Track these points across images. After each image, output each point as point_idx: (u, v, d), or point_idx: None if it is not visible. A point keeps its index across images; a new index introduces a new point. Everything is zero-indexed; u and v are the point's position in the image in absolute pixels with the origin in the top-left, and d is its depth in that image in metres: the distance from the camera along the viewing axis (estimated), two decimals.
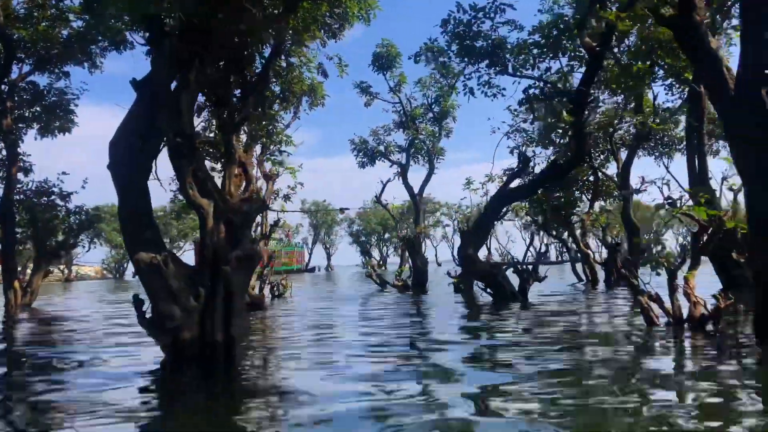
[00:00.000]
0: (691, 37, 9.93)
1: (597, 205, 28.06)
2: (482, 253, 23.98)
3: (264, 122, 21.75)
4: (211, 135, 18.35)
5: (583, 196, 27.81)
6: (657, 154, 29.62)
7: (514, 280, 17.30)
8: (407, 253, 30.50)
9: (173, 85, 9.34)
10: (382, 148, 28.04)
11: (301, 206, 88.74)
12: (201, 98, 18.37)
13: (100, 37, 20.28)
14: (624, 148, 26.74)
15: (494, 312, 14.30)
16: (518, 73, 15.33)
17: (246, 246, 8.60)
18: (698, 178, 17.97)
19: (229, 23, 9.56)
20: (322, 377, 6.96)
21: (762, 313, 8.77)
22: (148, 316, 8.11)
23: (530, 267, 18.02)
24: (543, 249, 20.48)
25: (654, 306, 9.92)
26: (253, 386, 6.82)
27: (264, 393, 6.37)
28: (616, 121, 24.66)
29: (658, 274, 9.70)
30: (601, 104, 23.72)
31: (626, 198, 25.56)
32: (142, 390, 6.78)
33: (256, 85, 17.17)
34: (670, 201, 12.12)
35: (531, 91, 15.51)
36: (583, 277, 27.11)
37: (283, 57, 20.78)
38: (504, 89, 15.69)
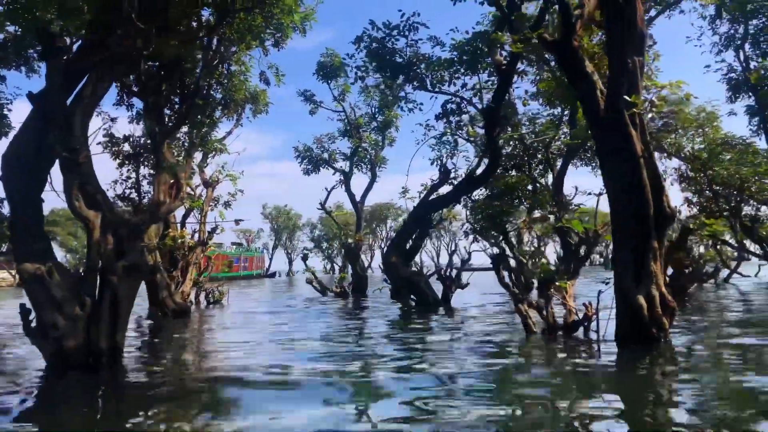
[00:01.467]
0: (569, 61, 10.63)
1: (536, 213, 28.87)
2: (426, 259, 24.46)
3: (204, 129, 22.01)
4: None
5: (522, 206, 28.59)
6: (594, 164, 30.62)
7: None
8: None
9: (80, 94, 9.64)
10: (326, 155, 28.46)
11: (262, 211, 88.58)
12: (140, 104, 18.61)
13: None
14: (560, 159, 27.58)
15: (411, 318, 14.82)
16: (436, 89, 15.93)
17: (133, 256, 8.91)
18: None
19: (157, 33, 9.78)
20: (203, 379, 7.36)
21: (622, 318, 9.49)
22: (33, 325, 8.39)
23: (453, 274, 18.59)
24: (466, 256, 20.82)
25: (534, 313, 10.52)
26: (135, 390, 7.19)
27: (144, 397, 6.74)
28: (552, 132, 25.49)
29: (535, 283, 10.31)
30: (539, 116, 24.55)
31: (561, 207, 26.40)
32: (28, 394, 7.10)
33: (191, 94, 17.49)
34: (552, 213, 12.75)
35: (448, 105, 16.12)
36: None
37: (224, 65, 21.15)
38: (422, 104, 16.26)
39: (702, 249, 32.47)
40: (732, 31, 24.18)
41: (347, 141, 28.89)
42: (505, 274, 11.28)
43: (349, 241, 26.23)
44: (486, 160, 16.30)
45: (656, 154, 32.09)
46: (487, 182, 17.29)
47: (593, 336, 9.79)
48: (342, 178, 28.04)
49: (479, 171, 17.06)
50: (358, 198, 27.90)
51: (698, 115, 29.55)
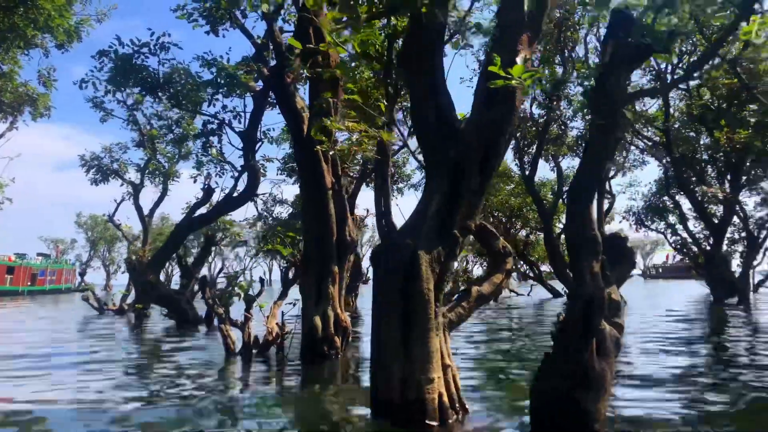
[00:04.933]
0: (280, 93, 11.36)
1: None
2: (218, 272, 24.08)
3: None
4: None
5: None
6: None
7: None
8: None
9: None
10: (115, 166, 27.20)
11: (77, 219, 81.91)
12: None
13: None
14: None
15: (165, 336, 14.64)
16: (196, 110, 16.10)
17: None
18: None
19: None
20: None
21: (306, 339, 10.25)
22: None
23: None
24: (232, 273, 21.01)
25: (237, 333, 10.97)
26: None
27: None
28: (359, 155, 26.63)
29: (231, 303, 10.79)
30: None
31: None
32: None
33: None
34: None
35: (208, 126, 16.36)
36: None
37: None
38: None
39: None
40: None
41: (142, 151, 27.85)
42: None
43: (132, 256, 25.21)
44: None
45: None
46: (246, 203, 17.74)
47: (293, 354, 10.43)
48: (131, 190, 26.97)
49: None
50: (146, 211, 26.98)
51: None
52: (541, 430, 5.39)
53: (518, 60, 4.58)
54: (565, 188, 32.88)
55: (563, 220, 31.49)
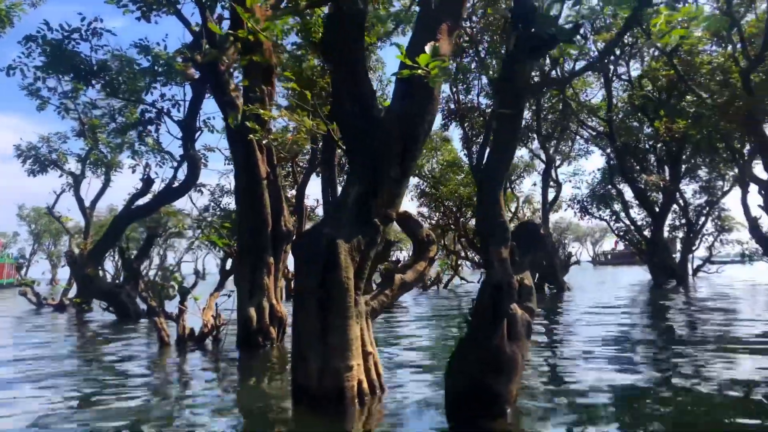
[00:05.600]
0: (214, 81, 11.16)
1: None
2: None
3: None
4: None
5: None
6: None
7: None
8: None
9: None
10: (54, 156, 26.26)
11: (19, 212, 78.89)
12: None
13: None
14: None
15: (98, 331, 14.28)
16: (132, 98, 15.68)
17: None
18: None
19: None
20: None
21: (241, 330, 10.17)
22: None
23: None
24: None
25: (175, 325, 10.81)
26: None
27: None
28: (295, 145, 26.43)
29: (174, 296, 10.62)
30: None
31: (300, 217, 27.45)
32: None
33: None
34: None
35: (146, 115, 15.97)
36: None
37: None
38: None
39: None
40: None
41: (83, 141, 26.96)
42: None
43: (75, 249, 24.45)
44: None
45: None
46: (186, 193, 17.42)
47: (228, 345, 10.33)
48: (71, 181, 26.12)
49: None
50: (87, 203, 26.19)
51: (433, 137, 32.90)
52: (455, 413, 5.50)
53: (427, 49, 4.61)
54: (513, 177, 33.55)
55: (512, 209, 32.15)
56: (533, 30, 4.69)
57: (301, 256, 6.07)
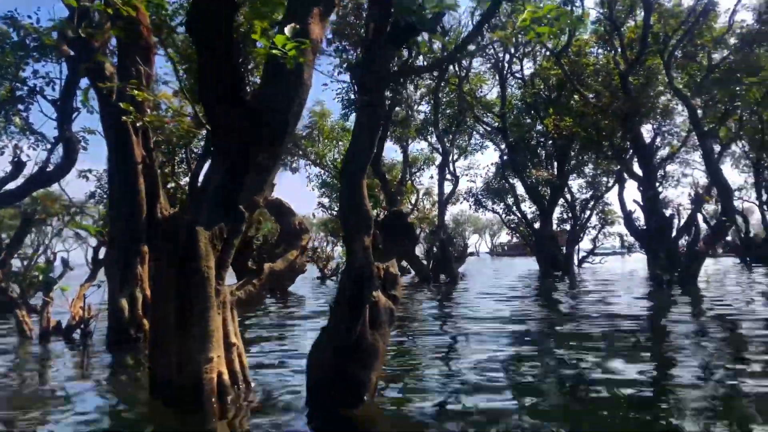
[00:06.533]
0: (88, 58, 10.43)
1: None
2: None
3: None
4: None
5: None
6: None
7: None
8: None
9: None
10: None
11: None
12: None
13: None
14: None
15: None
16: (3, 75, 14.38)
17: None
18: None
19: None
20: None
21: (112, 322, 9.62)
22: None
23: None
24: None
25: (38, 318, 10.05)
26: None
27: None
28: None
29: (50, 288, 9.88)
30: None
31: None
32: None
33: None
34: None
35: (17, 93, 14.71)
36: None
37: None
38: None
39: (335, 248, 36.30)
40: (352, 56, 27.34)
41: None
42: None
43: None
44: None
45: (301, 162, 34.46)
46: (61, 177, 16.26)
47: (98, 339, 9.72)
48: None
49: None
50: None
51: (335, 127, 32.76)
52: (316, 401, 5.46)
53: (286, 30, 4.47)
54: (414, 170, 34.08)
55: (412, 201, 32.63)
56: (391, 19, 4.69)
57: (159, 244, 5.78)
